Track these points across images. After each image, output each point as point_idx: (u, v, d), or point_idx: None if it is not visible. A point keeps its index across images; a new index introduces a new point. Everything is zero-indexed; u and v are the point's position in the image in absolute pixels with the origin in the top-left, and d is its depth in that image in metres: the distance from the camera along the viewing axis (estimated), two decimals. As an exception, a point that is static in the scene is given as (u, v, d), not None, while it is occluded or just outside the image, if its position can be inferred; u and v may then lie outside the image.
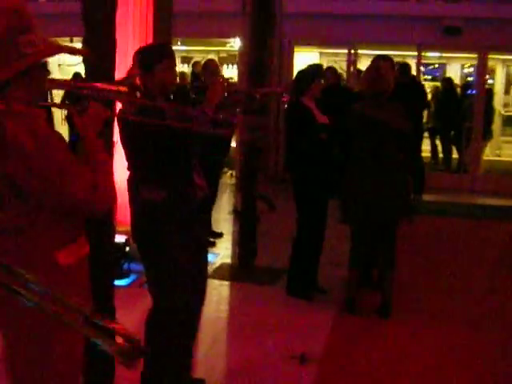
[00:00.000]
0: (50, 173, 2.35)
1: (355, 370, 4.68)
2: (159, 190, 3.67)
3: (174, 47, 12.64)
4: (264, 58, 6.58)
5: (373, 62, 6.27)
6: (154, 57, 3.69)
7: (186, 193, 3.72)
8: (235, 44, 13.27)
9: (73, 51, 2.85)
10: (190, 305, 3.83)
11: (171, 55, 3.78)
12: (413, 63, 11.84)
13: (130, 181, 3.79)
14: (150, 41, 6.29)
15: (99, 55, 3.24)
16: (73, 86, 2.86)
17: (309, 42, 12.85)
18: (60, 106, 3.11)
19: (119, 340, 1.67)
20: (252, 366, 4.65)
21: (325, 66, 16.53)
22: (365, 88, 5.56)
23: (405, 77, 9.22)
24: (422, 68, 12.77)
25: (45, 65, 2.56)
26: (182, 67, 17.14)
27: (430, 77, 18.02)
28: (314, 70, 5.86)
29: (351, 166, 5.52)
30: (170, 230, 3.69)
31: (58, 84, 2.84)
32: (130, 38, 6.30)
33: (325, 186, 5.76)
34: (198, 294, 3.98)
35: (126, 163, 3.82)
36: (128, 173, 3.84)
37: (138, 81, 3.20)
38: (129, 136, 3.66)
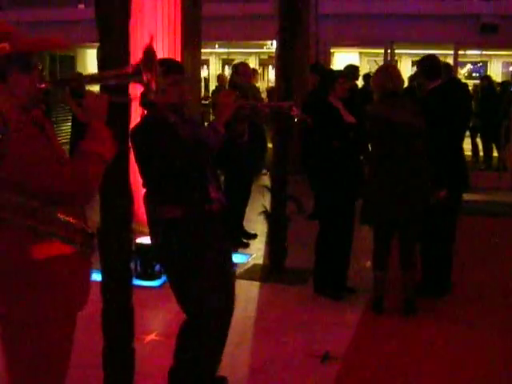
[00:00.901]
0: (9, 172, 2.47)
1: (377, 370, 4.70)
2: (175, 208, 3.70)
3: (213, 50, 12.83)
4: (292, 59, 6.65)
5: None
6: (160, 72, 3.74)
7: (202, 208, 3.74)
8: (272, 46, 13.38)
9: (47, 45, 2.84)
10: (220, 315, 3.88)
11: (177, 71, 3.77)
12: (451, 62, 11.76)
13: (145, 198, 3.85)
14: (179, 46, 6.41)
15: (113, 63, 3.32)
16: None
17: (346, 42, 12.87)
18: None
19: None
20: (274, 364, 4.73)
21: (365, 65, 16.65)
22: (376, 88, 5.61)
23: (446, 77, 9.15)
24: (469, 66, 12.62)
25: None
26: (227, 69, 17.33)
27: (477, 74, 17.86)
28: (335, 71, 5.96)
29: (369, 167, 5.57)
30: (190, 246, 3.73)
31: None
32: (159, 43, 6.42)
33: (350, 187, 5.81)
34: (226, 304, 4.01)
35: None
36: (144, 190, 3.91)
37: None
38: (139, 157, 3.72)
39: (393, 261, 5.71)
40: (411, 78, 12.56)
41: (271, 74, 18.56)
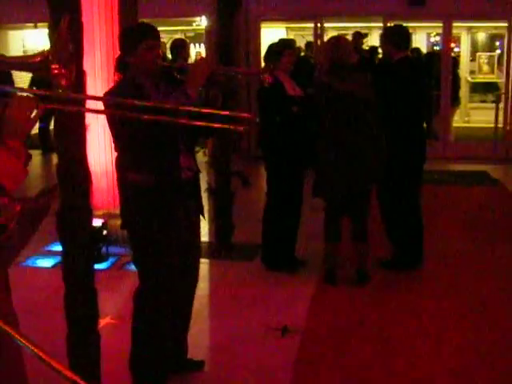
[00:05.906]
0: None
1: (337, 341, 4.76)
2: (145, 174, 3.65)
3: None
4: (230, 35, 6.59)
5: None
6: (135, 37, 3.62)
7: (173, 175, 3.68)
8: (201, 23, 13.22)
9: None
10: (175, 287, 3.84)
11: (153, 35, 3.65)
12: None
13: (117, 163, 3.77)
14: (116, 24, 6.27)
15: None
16: None
17: (275, 17, 12.81)
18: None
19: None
20: (235, 341, 4.72)
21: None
22: (325, 60, 5.62)
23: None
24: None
25: None
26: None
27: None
28: (282, 44, 5.95)
29: (321, 139, 5.56)
30: (157, 213, 3.68)
31: None
32: (96, 21, 6.27)
33: (297, 160, 5.81)
34: (187, 279, 4.00)
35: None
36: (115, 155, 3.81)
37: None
38: (112, 121, 3.62)
39: (344, 232, 5.77)
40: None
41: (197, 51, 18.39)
